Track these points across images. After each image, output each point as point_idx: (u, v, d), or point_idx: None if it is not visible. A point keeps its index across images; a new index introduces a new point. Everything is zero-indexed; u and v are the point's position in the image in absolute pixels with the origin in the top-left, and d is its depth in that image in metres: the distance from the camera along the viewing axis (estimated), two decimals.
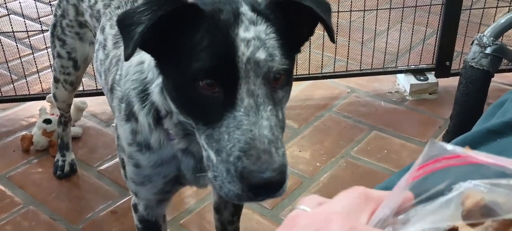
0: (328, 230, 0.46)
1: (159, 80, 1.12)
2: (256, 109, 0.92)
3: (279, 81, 0.98)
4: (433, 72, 2.90)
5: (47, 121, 2.46)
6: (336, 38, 2.98)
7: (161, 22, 0.94)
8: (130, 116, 1.23)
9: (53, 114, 2.50)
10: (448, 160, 0.48)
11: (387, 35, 2.95)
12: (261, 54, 0.94)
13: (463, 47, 2.88)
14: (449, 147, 0.48)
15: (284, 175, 0.91)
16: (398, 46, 2.93)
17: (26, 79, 2.77)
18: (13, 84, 2.75)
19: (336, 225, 0.46)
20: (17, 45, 2.79)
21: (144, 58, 1.19)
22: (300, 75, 2.83)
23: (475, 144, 0.76)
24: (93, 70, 2.71)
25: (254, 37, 0.94)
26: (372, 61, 2.90)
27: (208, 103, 0.95)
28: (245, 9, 0.96)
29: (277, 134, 0.93)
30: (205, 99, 0.95)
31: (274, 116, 0.94)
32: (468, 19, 2.77)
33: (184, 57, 0.96)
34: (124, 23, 0.96)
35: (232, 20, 0.94)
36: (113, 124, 2.60)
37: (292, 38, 1.02)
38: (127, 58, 0.96)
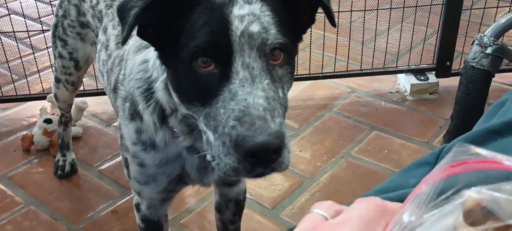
0: None
1: (163, 77, 1.12)
2: (252, 81, 0.92)
3: (277, 58, 0.97)
4: (434, 72, 2.90)
5: (48, 121, 2.47)
6: (337, 39, 2.97)
7: (158, 7, 0.97)
8: (135, 115, 1.24)
9: (53, 114, 2.50)
10: (469, 165, 0.47)
11: (388, 35, 2.95)
12: (254, 27, 0.94)
13: (463, 47, 2.88)
14: (479, 150, 0.47)
15: (281, 140, 0.88)
16: (399, 46, 2.93)
17: (26, 79, 2.77)
18: (13, 84, 2.75)
19: None
20: (17, 45, 2.80)
21: (148, 57, 1.20)
22: (300, 75, 2.84)
23: (475, 144, 0.76)
24: (94, 70, 2.72)
25: (248, 13, 0.95)
26: (373, 61, 2.90)
27: (205, 82, 0.95)
28: None
29: (274, 104, 0.92)
30: (202, 78, 0.95)
31: (271, 90, 0.93)
32: (469, 19, 2.77)
33: (182, 40, 0.97)
34: (122, 10, 0.99)
35: (227, 1, 0.96)
36: (115, 124, 2.60)
37: (292, 25, 1.03)
38: (123, 42, 0.98)
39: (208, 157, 0.98)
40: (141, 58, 1.21)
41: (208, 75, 0.95)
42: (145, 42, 1.17)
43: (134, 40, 1.26)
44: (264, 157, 0.88)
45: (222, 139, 0.92)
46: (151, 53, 1.18)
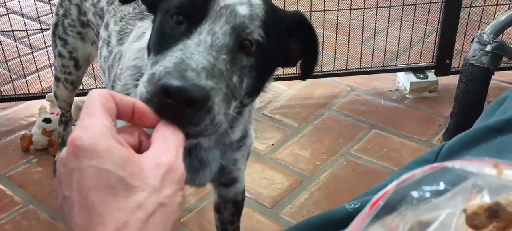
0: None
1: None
2: (210, 47, 0.86)
3: (247, 49, 0.93)
4: (433, 70, 2.90)
5: (47, 120, 2.46)
6: (336, 37, 2.96)
7: None
8: None
9: (52, 113, 2.50)
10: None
11: (387, 33, 2.95)
12: (241, 10, 0.92)
13: (463, 45, 2.88)
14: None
15: (203, 99, 0.78)
16: (398, 44, 2.93)
17: (25, 78, 2.77)
18: (12, 83, 2.75)
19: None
20: (16, 44, 2.79)
21: (144, 46, 1.19)
22: (300, 73, 2.83)
23: (475, 142, 0.77)
24: (94, 70, 2.72)
25: None
26: (372, 60, 2.90)
27: (170, 33, 0.92)
28: None
29: (216, 74, 0.84)
30: (169, 30, 0.92)
31: (224, 66, 0.87)
32: (468, 17, 2.77)
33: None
34: None
35: None
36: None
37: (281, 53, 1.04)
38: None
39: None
40: (137, 48, 1.20)
41: (174, 28, 0.92)
42: (142, 31, 1.16)
43: (135, 33, 1.25)
44: (177, 103, 0.76)
45: (152, 72, 0.83)
46: (145, 39, 1.17)
